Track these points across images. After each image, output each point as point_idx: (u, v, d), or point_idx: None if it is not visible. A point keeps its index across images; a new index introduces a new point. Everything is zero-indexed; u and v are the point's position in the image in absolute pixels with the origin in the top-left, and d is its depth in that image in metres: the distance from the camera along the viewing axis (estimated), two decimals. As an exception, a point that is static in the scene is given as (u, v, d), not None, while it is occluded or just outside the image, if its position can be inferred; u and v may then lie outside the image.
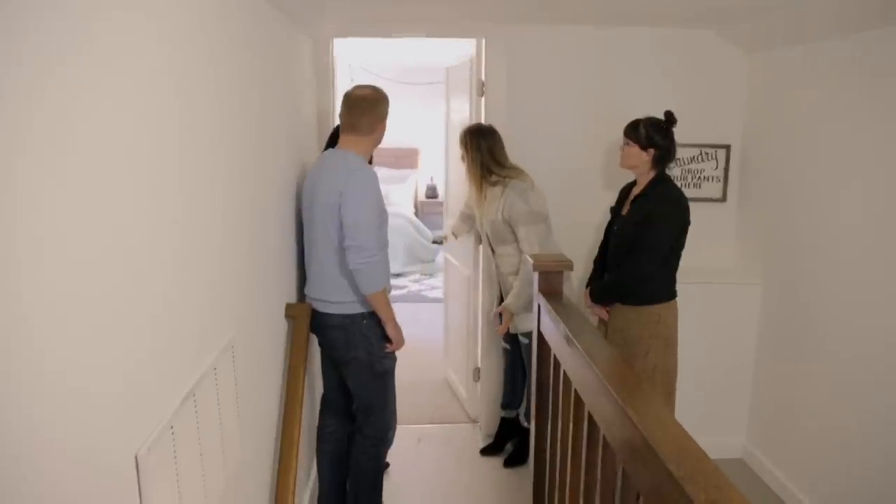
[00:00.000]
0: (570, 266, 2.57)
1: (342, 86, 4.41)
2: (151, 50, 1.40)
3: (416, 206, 9.67)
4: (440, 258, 8.53)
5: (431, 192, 9.95)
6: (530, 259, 2.63)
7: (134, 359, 1.30)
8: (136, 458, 1.29)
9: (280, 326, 2.76)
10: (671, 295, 3.09)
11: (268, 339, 2.54)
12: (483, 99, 3.87)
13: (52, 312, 1.03)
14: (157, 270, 1.42)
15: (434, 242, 8.62)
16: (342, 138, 2.90)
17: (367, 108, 2.85)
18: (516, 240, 3.36)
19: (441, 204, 9.63)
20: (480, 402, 4.16)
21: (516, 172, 3.40)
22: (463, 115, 4.19)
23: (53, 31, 1.04)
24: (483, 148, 3.41)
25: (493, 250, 3.57)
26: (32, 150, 0.98)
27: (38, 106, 1.00)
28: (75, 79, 1.10)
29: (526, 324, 3.36)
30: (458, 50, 4.14)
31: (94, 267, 1.15)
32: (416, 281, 7.91)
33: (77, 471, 1.10)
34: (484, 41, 3.82)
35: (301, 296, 3.05)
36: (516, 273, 3.41)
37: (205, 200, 1.74)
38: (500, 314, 3.53)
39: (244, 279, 2.16)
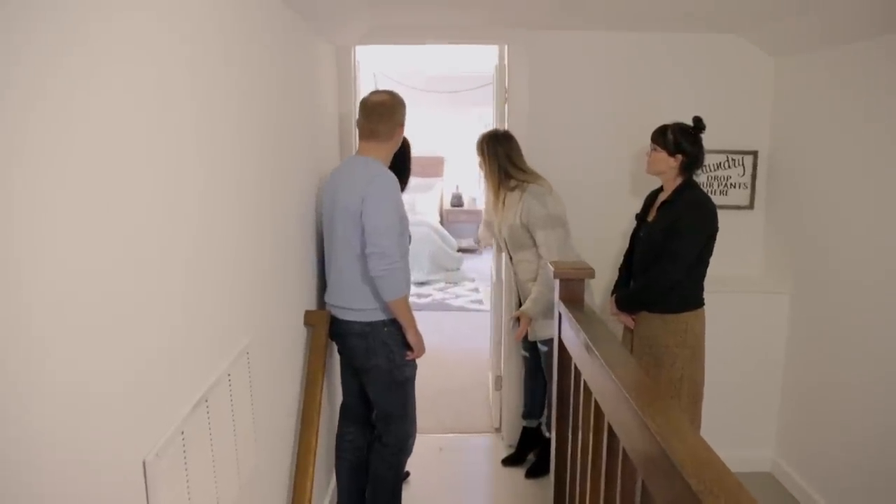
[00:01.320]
0: (591, 273, 2.53)
1: (365, 94, 4.42)
2: (167, 51, 1.40)
3: (441, 215, 9.70)
4: (465, 266, 8.54)
5: (457, 201, 9.98)
6: (550, 265, 2.59)
7: (143, 362, 1.29)
8: (143, 463, 1.28)
9: (299, 333, 2.75)
10: (699, 303, 3.03)
11: (285, 345, 2.53)
12: (506, 105, 3.85)
13: (57, 313, 1.02)
14: (169, 276, 1.41)
15: (460, 251, 8.62)
16: (361, 144, 2.89)
17: (385, 113, 2.84)
18: (534, 245, 3.33)
19: (467, 213, 9.70)
20: (503, 411, 4.11)
21: (534, 177, 3.37)
22: (492, 119, 4.18)
23: (66, 31, 1.03)
24: (500, 153, 3.39)
25: (511, 257, 3.53)
26: (42, 151, 0.98)
27: (51, 109, 1.00)
28: (90, 80, 1.10)
29: (546, 331, 3.31)
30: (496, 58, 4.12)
31: (102, 269, 1.14)
32: (440, 289, 7.89)
33: (83, 475, 1.09)
34: (507, 48, 3.80)
35: (321, 303, 3.04)
36: (535, 279, 3.37)
37: (221, 205, 1.74)
38: (518, 319, 3.49)
39: (261, 285, 2.15)
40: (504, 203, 3.42)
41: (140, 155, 1.27)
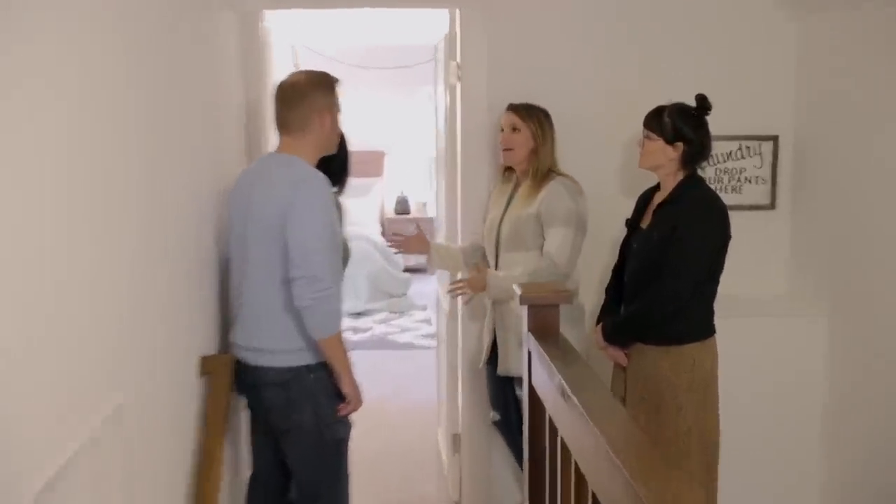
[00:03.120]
0: (567, 297, 2.53)
1: (285, 72, 4.39)
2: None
3: (382, 225, 9.66)
4: (413, 291, 8.50)
5: (402, 207, 9.94)
6: (517, 288, 2.58)
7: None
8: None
9: (192, 386, 2.71)
10: (709, 331, 3.06)
11: (174, 403, 2.51)
12: (459, 85, 3.84)
13: None
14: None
15: (406, 271, 8.61)
16: (279, 140, 2.91)
17: (295, 97, 2.85)
18: (536, 248, 3.30)
19: (416, 222, 9.68)
20: (463, 478, 4.07)
21: (568, 177, 3.40)
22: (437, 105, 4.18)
23: None
24: (550, 138, 3.43)
25: (496, 262, 3.48)
26: None
27: None
28: None
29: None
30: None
31: None
32: (382, 321, 7.91)
33: None
34: (458, 12, 3.80)
35: (222, 345, 2.99)
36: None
37: (78, 225, 1.71)
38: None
39: (139, 328, 2.13)
40: (519, 191, 3.43)
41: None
